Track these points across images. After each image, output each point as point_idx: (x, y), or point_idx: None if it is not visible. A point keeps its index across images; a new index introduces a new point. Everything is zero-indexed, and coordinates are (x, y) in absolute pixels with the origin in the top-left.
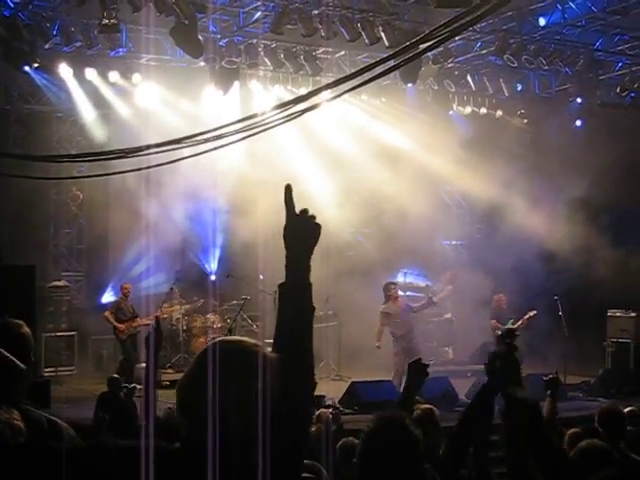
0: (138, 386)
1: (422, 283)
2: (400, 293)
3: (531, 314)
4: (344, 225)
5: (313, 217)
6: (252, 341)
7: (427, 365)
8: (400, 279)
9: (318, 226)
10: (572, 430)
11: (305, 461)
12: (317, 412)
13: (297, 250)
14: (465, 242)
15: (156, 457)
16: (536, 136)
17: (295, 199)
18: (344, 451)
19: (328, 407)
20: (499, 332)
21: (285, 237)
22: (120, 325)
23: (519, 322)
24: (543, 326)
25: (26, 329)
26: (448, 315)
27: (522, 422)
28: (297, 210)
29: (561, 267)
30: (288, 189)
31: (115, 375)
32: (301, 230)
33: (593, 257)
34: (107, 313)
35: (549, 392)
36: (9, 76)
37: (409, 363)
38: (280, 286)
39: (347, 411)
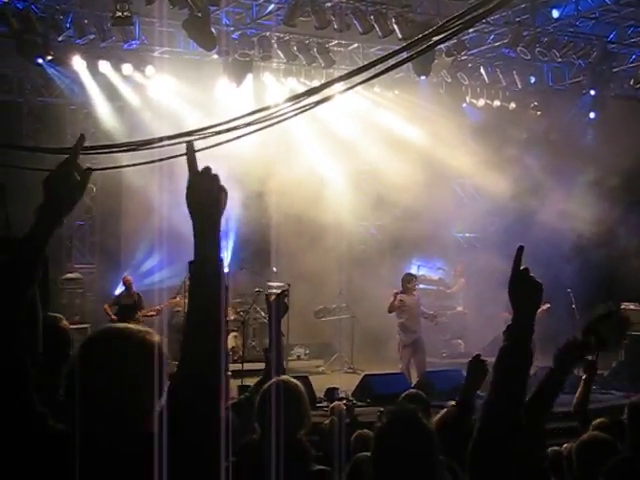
0: None
1: (435, 276)
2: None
3: (544, 307)
4: (357, 218)
5: (216, 178)
6: (141, 328)
7: (486, 361)
8: (414, 272)
9: (222, 189)
10: (599, 420)
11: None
12: (331, 405)
13: (202, 219)
14: (478, 235)
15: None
16: (550, 128)
17: (310, 190)
18: (359, 443)
19: (341, 400)
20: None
21: (188, 204)
22: (114, 317)
23: None
24: (556, 319)
25: (65, 322)
26: (460, 308)
27: None
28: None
29: (575, 259)
30: (190, 145)
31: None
32: (204, 194)
33: (607, 249)
34: (106, 306)
35: (584, 376)
36: (22, 69)
37: (470, 360)
38: (190, 264)
39: (360, 404)
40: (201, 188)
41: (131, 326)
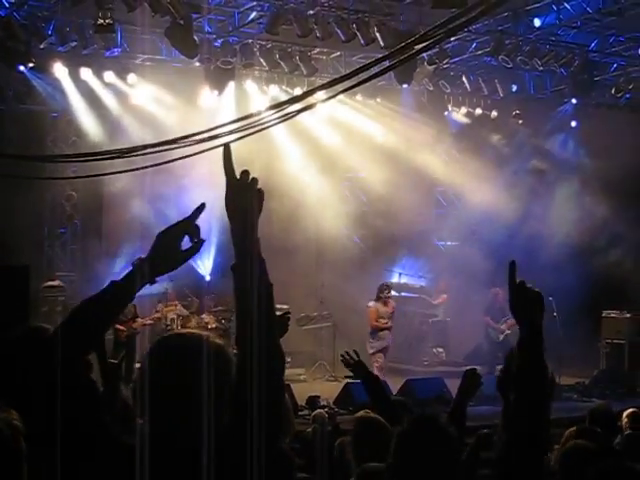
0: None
1: (417, 284)
2: (394, 293)
3: None
4: (339, 226)
5: (255, 181)
6: (197, 332)
7: (481, 376)
8: (395, 280)
9: (261, 192)
10: (570, 429)
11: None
12: (312, 413)
13: (241, 223)
14: (460, 243)
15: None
16: (531, 136)
17: (292, 198)
18: (340, 451)
19: (323, 407)
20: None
21: (227, 207)
22: (120, 327)
23: (512, 321)
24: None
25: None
26: (442, 316)
27: None
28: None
29: (556, 268)
30: (227, 149)
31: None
32: (243, 200)
33: (589, 257)
34: None
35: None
36: (4, 76)
37: (466, 371)
38: (233, 268)
39: (342, 412)
40: (239, 194)
41: (194, 331)
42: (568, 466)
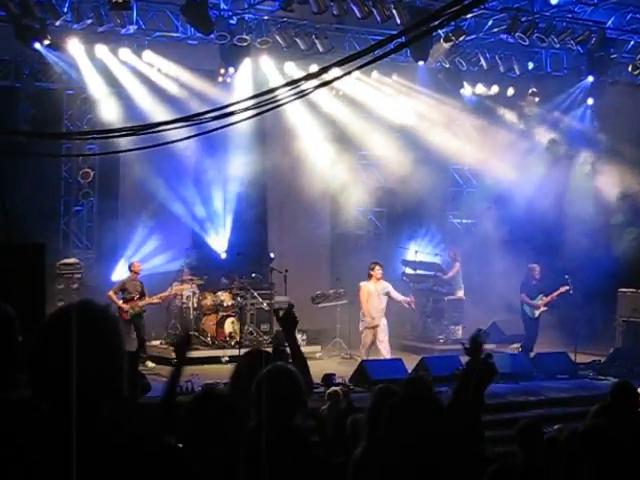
0: (150, 364)
1: (432, 261)
2: (409, 271)
3: (563, 290)
4: (355, 204)
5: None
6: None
7: (494, 365)
8: (411, 257)
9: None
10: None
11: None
12: (327, 390)
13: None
14: (475, 221)
15: None
16: (548, 114)
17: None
18: (353, 427)
19: (338, 385)
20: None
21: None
22: (123, 305)
23: (549, 298)
24: (554, 305)
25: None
26: (461, 293)
27: None
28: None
29: (572, 246)
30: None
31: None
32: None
33: (605, 235)
34: (111, 292)
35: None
36: (20, 53)
37: (481, 358)
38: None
39: (357, 389)
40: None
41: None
42: (588, 445)
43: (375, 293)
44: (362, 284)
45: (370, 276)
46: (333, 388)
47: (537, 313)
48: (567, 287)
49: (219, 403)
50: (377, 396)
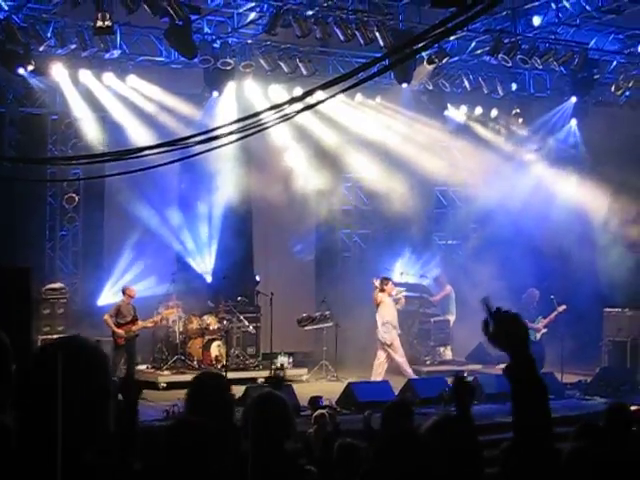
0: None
1: (418, 283)
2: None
3: (560, 309)
4: (339, 226)
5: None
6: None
7: (468, 381)
8: (397, 279)
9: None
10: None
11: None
12: (314, 413)
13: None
14: (460, 242)
15: None
16: (532, 135)
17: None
18: (342, 452)
19: (324, 407)
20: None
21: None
22: (119, 330)
23: (547, 319)
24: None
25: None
26: (451, 318)
27: None
28: None
29: (557, 266)
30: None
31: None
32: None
33: (591, 255)
34: (107, 317)
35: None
36: (4, 78)
37: (455, 378)
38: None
39: (344, 412)
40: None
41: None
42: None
43: (392, 305)
44: (380, 295)
45: (383, 290)
46: (320, 411)
47: (539, 336)
48: (564, 306)
49: (196, 433)
50: (339, 454)
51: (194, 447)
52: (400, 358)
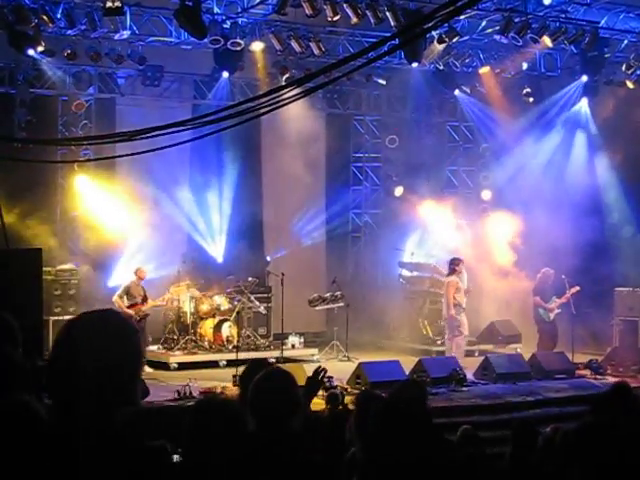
0: (148, 369)
1: (429, 263)
2: (406, 273)
3: (574, 290)
4: (351, 206)
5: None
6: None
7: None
8: (407, 259)
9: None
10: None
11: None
12: (326, 393)
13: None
14: (471, 222)
15: None
16: (542, 114)
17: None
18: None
19: (335, 387)
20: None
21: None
22: (129, 310)
23: (562, 299)
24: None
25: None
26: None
27: None
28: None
29: (569, 246)
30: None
31: None
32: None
33: (601, 235)
34: (116, 297)
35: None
36: (14, 60)
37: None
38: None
39: (355, 392)
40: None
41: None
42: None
43: (461, 286)
44: (449, 279)
45: (454, 271)
46: (331, 390)
47: (552, 316)
48: (577, 287)
49: (220, 412)
50: (360, 400)
51: (219, 426)
52: (462, 341)
